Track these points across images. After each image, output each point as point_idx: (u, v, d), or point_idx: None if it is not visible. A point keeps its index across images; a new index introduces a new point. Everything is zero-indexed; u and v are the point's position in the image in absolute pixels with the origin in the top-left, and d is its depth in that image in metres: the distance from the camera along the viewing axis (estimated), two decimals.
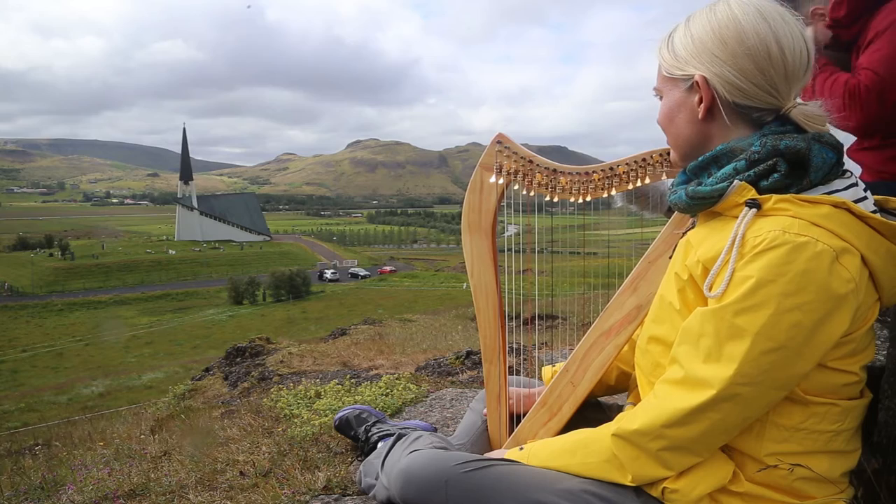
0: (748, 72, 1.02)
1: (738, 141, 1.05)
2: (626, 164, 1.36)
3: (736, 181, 1.01)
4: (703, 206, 1.07)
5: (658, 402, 1.04)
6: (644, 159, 1.35)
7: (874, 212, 1.01)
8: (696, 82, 1.06)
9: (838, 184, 1.01)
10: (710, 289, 0.98)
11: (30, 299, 68.88)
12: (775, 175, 0.99)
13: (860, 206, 0.98)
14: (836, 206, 0.95)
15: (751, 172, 1.01)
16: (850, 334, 0.97)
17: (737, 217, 0.98)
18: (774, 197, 0.97)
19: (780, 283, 0.91)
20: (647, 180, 1.35)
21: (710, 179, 1.06)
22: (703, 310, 0.99)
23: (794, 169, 1.00)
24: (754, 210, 0.96)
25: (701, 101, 1.07)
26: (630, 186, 1.37)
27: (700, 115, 1.07)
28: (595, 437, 1.14)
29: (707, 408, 0.97)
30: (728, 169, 1.04)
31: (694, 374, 0.99)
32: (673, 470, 1.05)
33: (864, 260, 0.95)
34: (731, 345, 0.95)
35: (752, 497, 1.03)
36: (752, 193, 0.99)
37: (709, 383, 0.96)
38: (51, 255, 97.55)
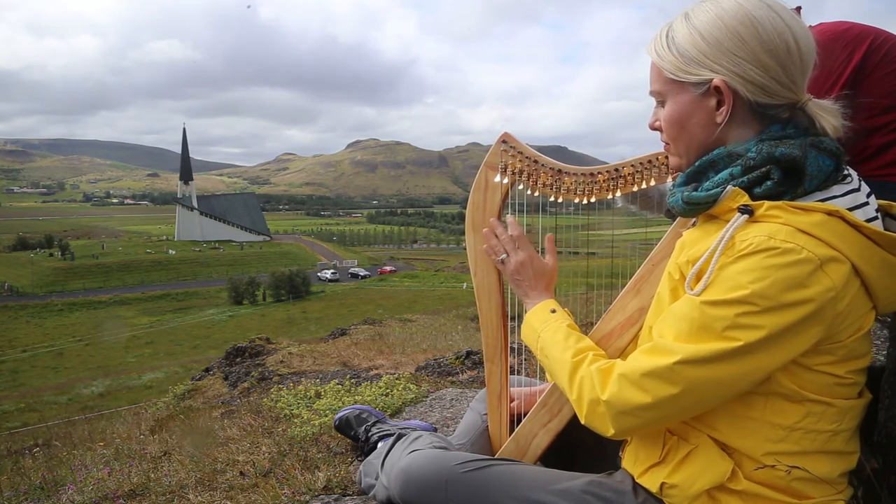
0: (770, 68, 0.99)
1: (736, 145, 1.04)
2: (632, 165, 1.35)
3: (729, 187, 1.00)
4: (699, 211, 1.06)
5: (626, 362, 1.06)
6: (650, 161, 1.34)
7: (874, 218, 1.00)
8: (717, 86, 1.01)
9: (837, 189, 1.00)
10: (692, 285, 0.99)
11: (30, 299, 68.86)
12: (768, 183, 0.98)
13: (857, 214, 0.97)
14: (829, 213, 0.94)
15: (744, 179, 1.00)
16: (838, 342, 0.97)
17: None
18: (766, 204, 0.96)
19: (758, 286, 0.91)
20: (653, 182, 1.34)
21: (707, 184, 1.05)
22: (687, 297, 1.00)
23: (790, 176, 0.99)
24: (745, 216, 0.96)
25: (719, 104, 1.03)
26: (635, 188, 1.36)
27: (720, 120, 1.04)
28: (567, 362, 1.16)
29: (663, 374, 0.98)
30: (724, 174, 1.03)
31: (661, 343, 1.01)
32: (610, 429, 1.05)
33: (856, 269, 0.94)
34: (701, 333, 0.96)
35: (750, 495, 1.02)
36: (744, 199, 0.99)
37: (671, 351, 0.98)
38: (51, 255, 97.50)
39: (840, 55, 1.93)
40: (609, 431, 1.06)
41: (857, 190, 1.01)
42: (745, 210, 0.96)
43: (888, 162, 1.97)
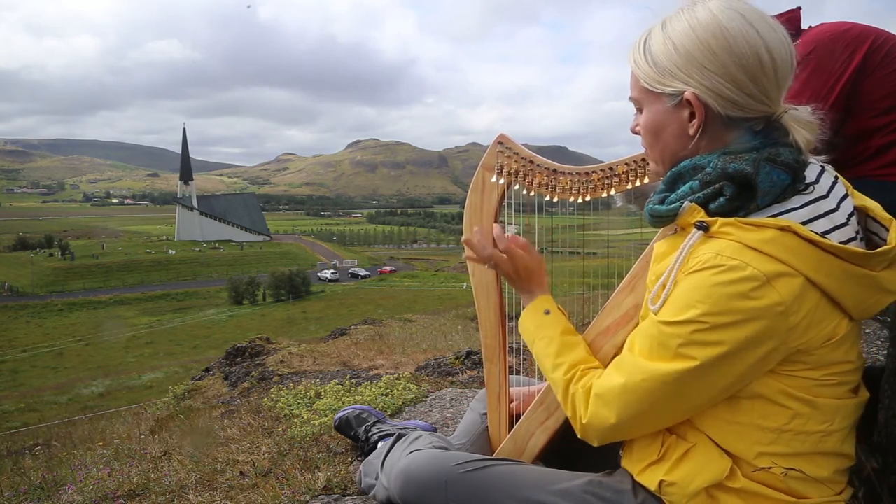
0: (741, 83, 0.99)
1: (702, 158, 1.04)
2: (626, 163, 1.36)
3: (686, 203, 1.01)
4: (664, 223, 1.08)
5: (601, 380, 1.10)
6: (643, 158, 1.34)
7: (842, 224, 1.00)
8: (688, 99, 1.01)
9: (796, 201, 0.99)
10: (653, 302, 1.02)
11: (30, 299, 68.92)
12: (721, 199, 0.99)
13: (820, 223, 0.97)
14: (781, 229, 0.94)
15: (700, 194, 1.01)
16: (805, 351, 0.97)
17: None
18: (720, 220, 0.97)
19: (706, 304, 0.93)
20: (647, 180, 1.35)
21: (672, 196, 1.06)
22: (651, 316, 1.03)
23: (745, 191, 0.99)
24: (701, 232, 0.97)
25: (691, 116, 1.03)
26: (629, 186, 1.37)
27: (692, 132, 1.04)
28: (559, 379, 1.20)
29: (631, 393, 1.02)
30: (685, 188, 1.04)
31: (629, 361, 1.05)
32: (595, 443, 1.11)
33: (813, 282, 0.94)
34: (660, 350, 0.99)
35: (749, 494, 1.02)
36: (701, 215, 0.99)
37: (637, 370, 1.02)
38: (51, 255, 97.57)
39: (841, 55, 1.93)
40: (595, 443, 1.12)
41: (825, 197, 1.01)
42: (701, 226, 0.97)
43: (888, 162, 1.97)
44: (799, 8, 2.06)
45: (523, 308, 1.39)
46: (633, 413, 1.04)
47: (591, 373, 1.16)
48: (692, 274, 0.96)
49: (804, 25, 2.07)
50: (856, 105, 1.94)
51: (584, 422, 1.10)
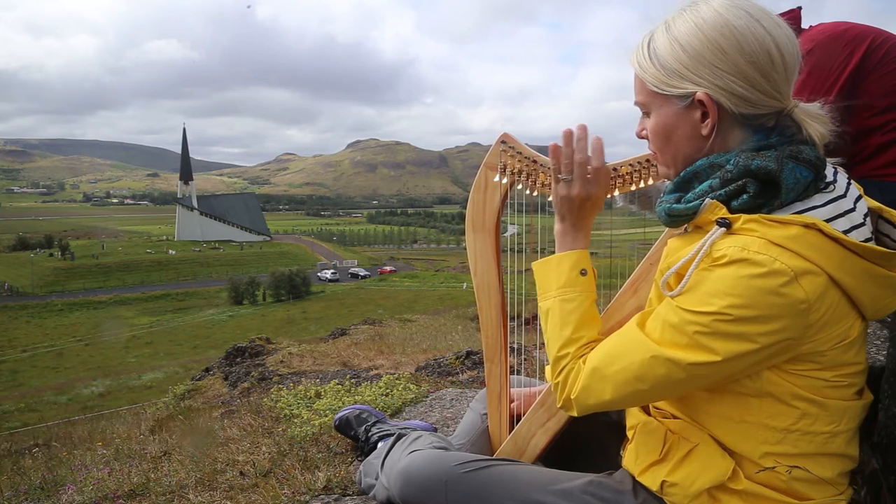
0: (753, 80, 0.98)
1: (718, 156, 1.03)
2: (630, 164, 1.35)
3: (707, 200, 1.00)
4: (682, 222, 1.07)
5: (600, 353, 1.09)
6: (647, 160, 1.34)
7: (860, 224, 1.00)
8: (700, 100, 1.00)
9: (818, 199, 0.99)
10: (667, 288, 1.01)
11: (30, 299, 68.90)
12: (744, 196, 0.98)
13: (840, 222, 0.97)
14: (806, 226, 0.93)
15: (722, 192, 1.00)
16: (818, 351, 0.96)
17: None
18: (743, 217, 0.96)
19: (732, 296, 0.92)
20: (650, 181, 1.34)
21: (689, 195, 1.05)
22: (665, 299, 1.02)
23: (768, 188, 0.98)
24: (723, 229, 0.96)
25: (704, 116, 1.02)
26: (633, 187, 1.36)
27: (705, 132, 1.03)
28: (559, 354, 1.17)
29: (635, 371, 1.01)
30: (704, 186, 1.03)
31: (629, 335, 1.05)
32: (575, 413, 1.11)
33: (835, 281, 0.94)
34: (673, 334, 0.98)
35: (750, 495, 1.02)
36: (722, 212, 0.99)
37: (646, 349, 1.01)
38: (51, 255, 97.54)
39: (839, 55, 1.94)
40: (575, 414, 1.12)
41: (843, 196, 1.01)
42: (723, 223, 0.96)
43: (887, 161, 1.97)
44: (799, 7, 2.06)
45: (559, 248, 1.26)
46: (631, 391, 1.03)
47: (589, 349, 1.13)
48: (718, 267, 0.94)
49: (804, 25, 2.07)
50: (854, 104, 1.94)
51: (572, 395, 1.09)
